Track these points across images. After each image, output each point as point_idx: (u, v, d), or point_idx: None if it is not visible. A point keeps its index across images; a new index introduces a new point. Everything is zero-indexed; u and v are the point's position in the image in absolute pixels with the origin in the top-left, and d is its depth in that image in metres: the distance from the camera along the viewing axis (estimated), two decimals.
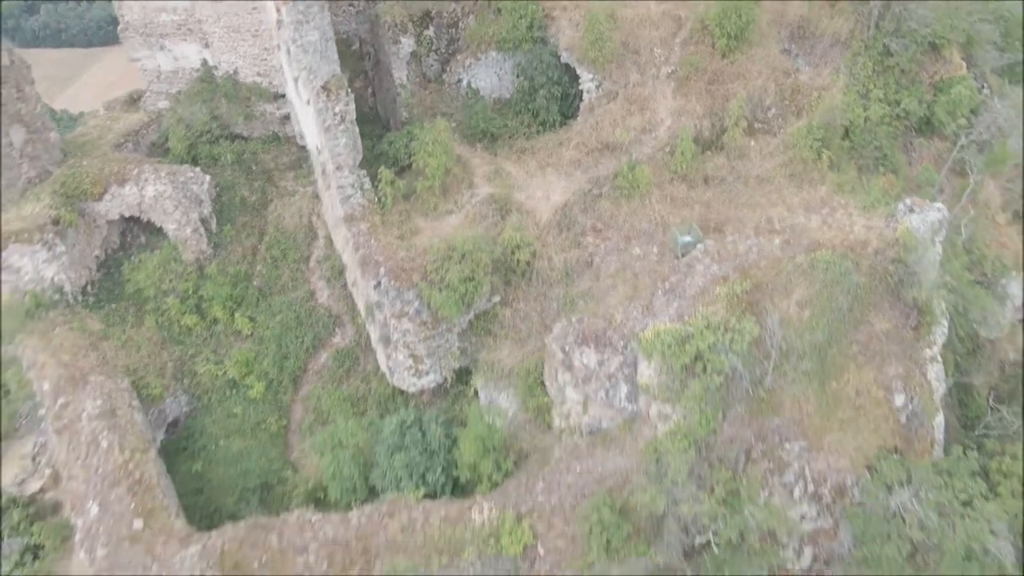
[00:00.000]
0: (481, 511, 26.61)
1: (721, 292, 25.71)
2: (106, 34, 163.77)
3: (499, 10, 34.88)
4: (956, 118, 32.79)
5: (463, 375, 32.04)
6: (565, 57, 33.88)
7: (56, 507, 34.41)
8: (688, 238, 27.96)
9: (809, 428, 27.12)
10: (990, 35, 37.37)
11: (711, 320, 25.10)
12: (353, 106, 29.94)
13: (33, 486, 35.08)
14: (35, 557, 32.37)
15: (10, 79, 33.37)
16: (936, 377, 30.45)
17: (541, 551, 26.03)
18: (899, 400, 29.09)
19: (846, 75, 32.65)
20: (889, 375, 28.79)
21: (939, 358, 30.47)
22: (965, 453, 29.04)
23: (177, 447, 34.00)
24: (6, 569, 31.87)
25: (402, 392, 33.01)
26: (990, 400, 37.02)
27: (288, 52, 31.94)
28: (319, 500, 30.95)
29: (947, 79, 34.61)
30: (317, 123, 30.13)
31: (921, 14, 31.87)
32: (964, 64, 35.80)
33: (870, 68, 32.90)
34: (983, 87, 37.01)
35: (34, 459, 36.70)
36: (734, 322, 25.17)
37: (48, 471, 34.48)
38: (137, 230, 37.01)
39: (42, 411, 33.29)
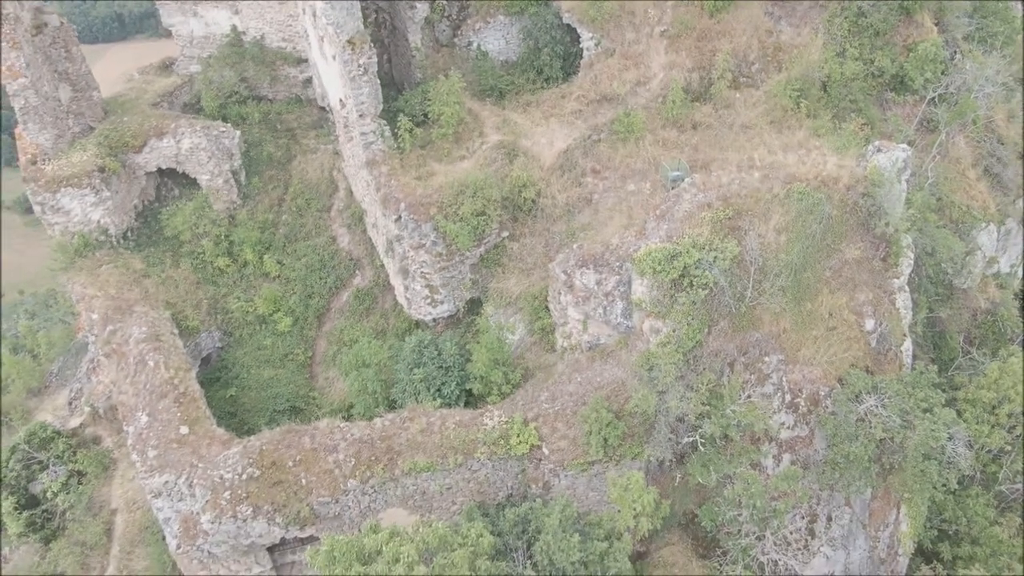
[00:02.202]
0: (492, 417, 29.71)
1: (706, 217, 28.80)
2: (111, 31, 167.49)
3: None
4: (924, 73, 35.75)
5: (475, 306, 35.16)
6: (567, 18, 37.00)
7: (96, 439, 37.75)
8: (677, 172, 31.08)
9: (786, 342, 30.22)
10: (961, 3, 40.40)
11: (697, 240, 28.20)
12: (375, 59, 32.95)
13: (73, 422, 38.33)
14: (79, 482, 35.72)
15: (59, 40, 36.55)
16: (904, 306, 33.50)
17: (546, 451, 29.14)
18: (869, 324, 32.17)
19: (824, 35, 35.67)
20: (860, 300, 31.88)
21: (906, 288, 33.54)
22: (927, 367, 32.18)
23: (211, 378, 37.13)
24: (54, 491, 35.06)
25: (418, 324, 36.15)
26: (962, 343, 40.05)
27: (314, 14, 35.06)
28: (343, 419, 34.06)
29: (919, 41, 37.58)
30: (342, 75, 33.20)
31: None
32: (935, 29, 38.78)
33: (846, 28, 35.91)
34: (955, 52, 40.03)
35: (70, 403, 40.00)
36: (717, 242, 28.26)
37: (87, 409, 37.75)
38: (171, 183, 40.17)
39: (89, 344, 36.48)
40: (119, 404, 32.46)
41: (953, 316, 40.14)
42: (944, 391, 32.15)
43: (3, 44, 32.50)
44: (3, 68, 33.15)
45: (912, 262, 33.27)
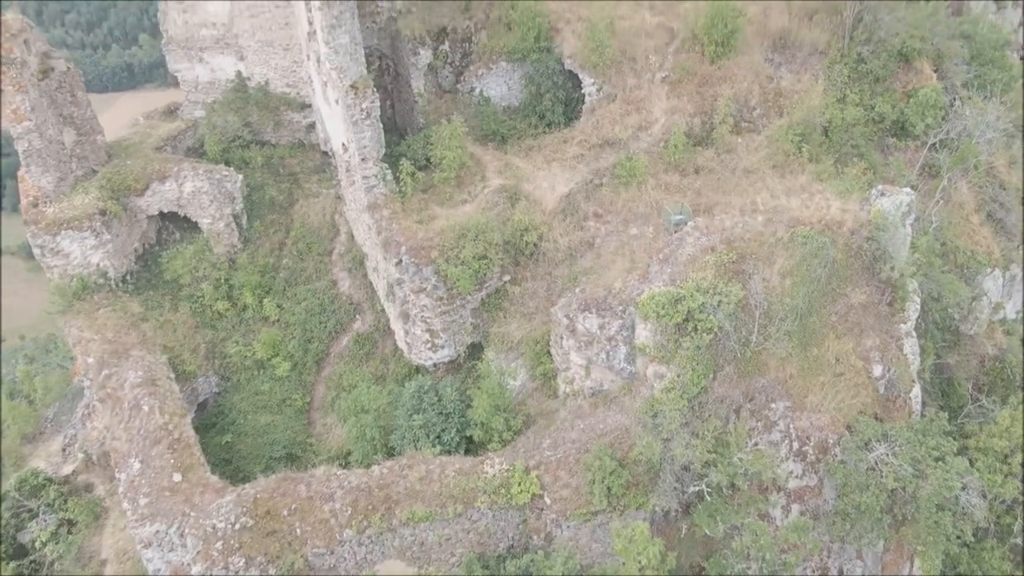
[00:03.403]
0: (492, 465, 29.01)
1: (710, 260, 28.53)
2: (120, 80, 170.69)
3: (509, 25, 38.41)
4: (924, 118, 35.90)
5: (475, 351, 34.69)
6: (568, 64, 37.32)
7: (89, 486, 36.96)
8: (680, 216, 30.91)
9: (792, 388, 29.66)
10: (959, 51, 40.86)
11: (700, 284, 27.88)
12: (378, 103, 33.13)
13: (66, 469, 37.59)
14: (69, 531, 34.82)
15: (65, 85, 36.86)
16: (911, 351, 33.00)
17: (547, 500, 28.37)
18: (877, 370, 31.63)
19: (824, 80, 35.91)
20: (867, 346, 31.40)
21: (913, 333, 33.07)
22: (937, 415, 31.51)
23: (207, 424, 36.52)
24: (43, 540, 34.17)
25: (418, 370, 35.64)
26: (970, 390, 39.41)
27: (318, 59, 35.39)
28: (341, 466, 33.34)
29: (918, 88, 37.85)
30: (345, 119, 33.33)
31: (889, 23, 35.28)
32: (934, 76, 39.11)
33: (846, 75, 36.20)
34: (954, 99, 40.31)
35: (64, 450, 39.32)
36: (721, 286, 27.93)
37: (81, 456, 37.08)
38: (172, 227, 40.11)
39: (84, 389, 35.98)
40: (112, 450, 31.80)
41: (961, 363, 39.56)
42: (955, 439, 31.42)
43: (9, 88, 32.73)
44: (8, 111, 33.34)
45: (918, 307, 32.89)
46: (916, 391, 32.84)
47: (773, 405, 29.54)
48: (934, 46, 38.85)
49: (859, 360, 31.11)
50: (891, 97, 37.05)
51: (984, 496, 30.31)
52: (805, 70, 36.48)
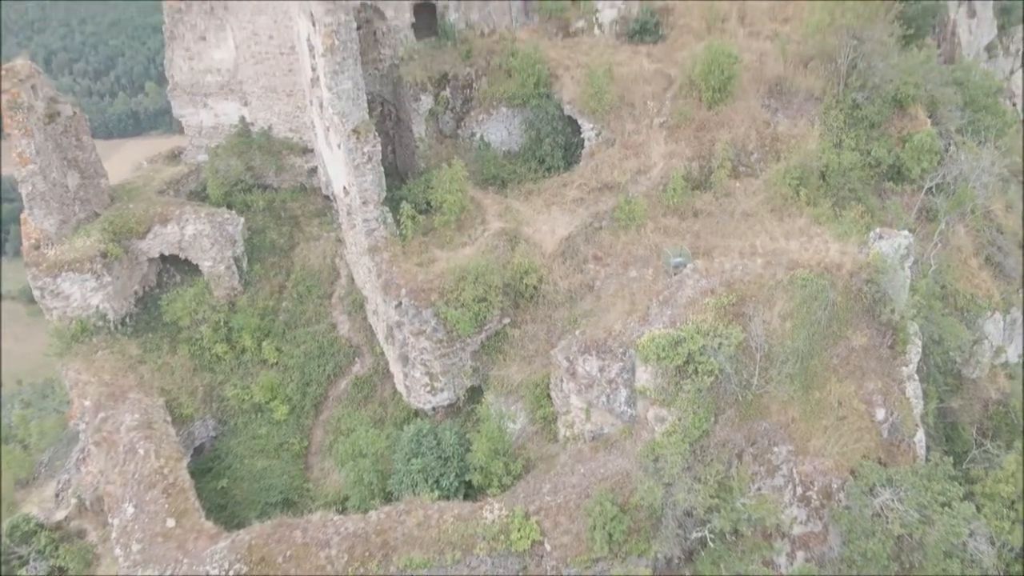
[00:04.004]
0: (492, 510, 28.52)
1: (709, 302, 28.48)
2: (126, 127, 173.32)
3: (509, 72, 39.08)
4: (920, 163, 36.25)
5: (475, 395, 34.45)
6: (568, 110, 37.86)
7: (81, 532, 36.37)
8: (679, 259, 30.99)
9: (795, 432, 29.30)
10: (952, 98, 41.49)
11: (701, 326, 27.78)
12: (379, 148, 33.51)
13: (58, 515, 37.05)
14: None
15: (71, 129, 37.34)
16: (914, 395, 32.73)
17: (548, 547, 27.81)
18: (880, 414, 31.33)
19: (820, 126, 36.38)
20: (869, 389, 31.15)
21: (915, 377, 32.85)
22: (942, 460, 31.08)
23: (203, 468, 36.08)
24: None
25: (417, 413, 35.35)
26: (975, 435, 39.02)
27: (321, 105, 35.89)
28: (338, 512, 32.81)
29: (913, 133, 38.30)
30: (347, 163, 33.66)
31: (883, 70, 35.87)
32: (929, 121, 39.64)
33: (841, 120, 36.66)
34: (949, 144, 40.78)
35: (57, 495, 38.83)
36: (722, 328, 27.84)
37: (74, 501, 36.57)
38: (173, 270, 40.20)
39: (80, 432, 35.65)
40: (106, 495, 31.38)
41: (964, 407, 39.22)
42: (961, 484, 30.96)
43: (15, 132, 33.15)
44: (14, 155, 33.70)
45: (919, 350, 32.73)
46: (920, 435, 32.48)
47: (776, 449, 29.17)
48: (928, 92, 39.46)
49: (861, 403, 30.82)
50: (887, 142, 37.47)
51: (992, 543, 29.73)
52: (801, 115, 36.97)
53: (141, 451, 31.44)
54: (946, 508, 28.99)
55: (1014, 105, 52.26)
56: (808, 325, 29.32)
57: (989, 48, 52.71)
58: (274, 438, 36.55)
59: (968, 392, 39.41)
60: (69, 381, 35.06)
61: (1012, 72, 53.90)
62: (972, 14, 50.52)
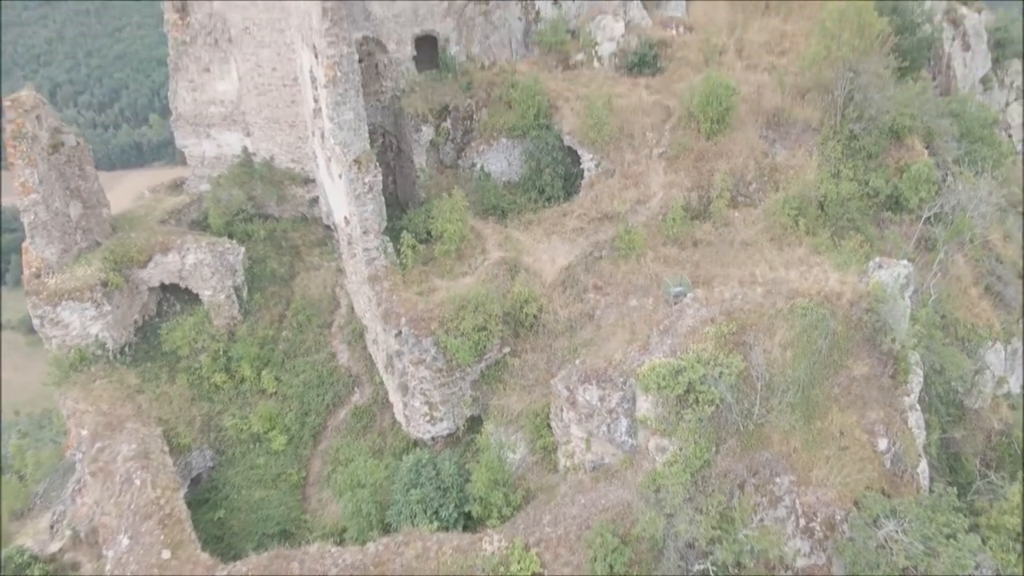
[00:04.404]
0: (491, 542, 28.18)
1: (710, 331, 28.44)
2: (129, 158, 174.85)
3: (509, 103, 39.49)
4: (918, 193, 36.47)
5: (475, 424, 34.23)
6: (568, 141, 38.18)
7: (75, 565, 35.91)
8: (679, 288, 31.02)
9: (797, 462, 29.04)
10: (948, 129, 41.89)
11: (701, 355, 27.70)
12: (380, 178, 33.73)
13: (53, 547, 36.63)
14: None
15: (74, 159, 37.61)
16: (916, 425, 32.52)
17: None
18: (882, 444, 31.08)
19: (818, 156, 36.66)
20: (871, 419, 30.95)
21: (917, 406, 32.67)
22: (946, 491, 30.77)
23: (199, 499, 35.73)
24: None
25: (416, 443, 35.11)
26: (978, 466, 38.71)
27: (323, 136, 36.21)
28: (336, 543, 32.43)
29: (911, 163, 38.58)
30: (348, 193, 33.85)
31: (879, 102, 36.25)
32: (926, 152, 39.95)
33: (839, 151, 36.94)
34: (946, 174, 41.06)
35: (52, 527, 38.42)
36: (722, 357, 27.75)
37: (68, 533, 36.17)
38: (173, 299, 40.21)
39: (76, 463, 35.37)
40: (101, 526, 31.02)
41: (967, 437, 38.99)
42: (965, 516, 30.62)
43: (19, 162, 33.38)
44: (17, 184, 33.90)
45: (921, 380, 32.59)
46: (923, 466, 32.20)
47: (778, 480, 28.90)
48: (924, 124, 39.85)
49: (864, 433, 30.60)
50: (884, 172, 37.71)
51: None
52: (799, 146, 37.27)
53: (137, 481, 31.16)
54: (951, 540, 28.60)
55: (1010, 136, 52.72)
56: (809, 354, 29.23)
57: (984, 81, 53.32)
58: (272, 468, 36.24)
59: (971, 422, 39.19)
60: (66, 410, 34.88)
61: (1007, 104, 54.43)
62: (966, 47, 51.19)
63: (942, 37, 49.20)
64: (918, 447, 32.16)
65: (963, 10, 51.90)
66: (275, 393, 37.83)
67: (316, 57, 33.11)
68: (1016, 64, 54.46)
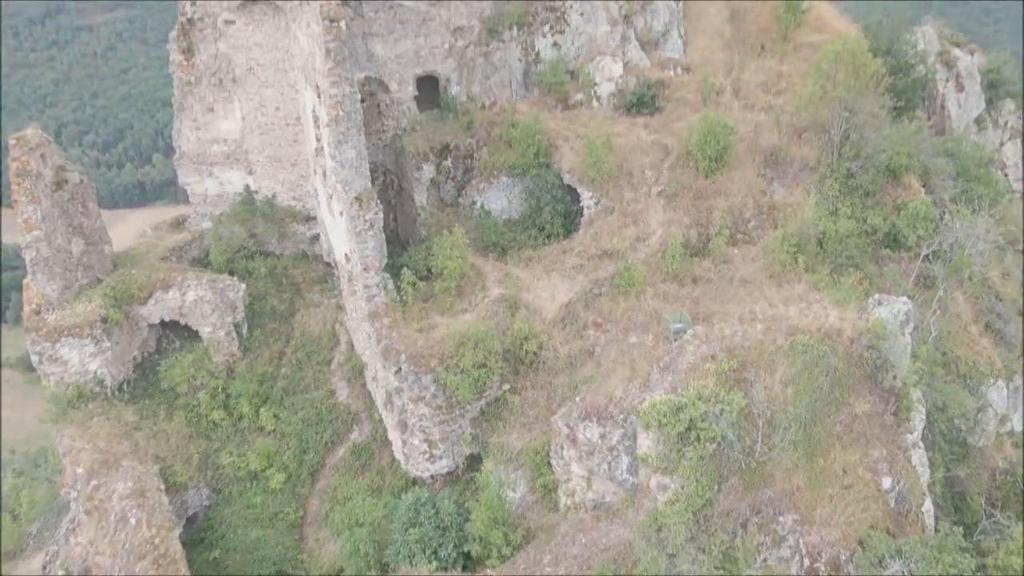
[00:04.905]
0: None
1: (710, 368, 28.37)
2: (132, 197, 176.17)
3: (510, 142, 39.93)
4: (916, 230, 36.69)
5: (474, 462, 33.93)
6: (567, 179, 38.53)
7: None
8: (679, 325, 31.01)
9: (800, 501, 28.71)
10: (945, 167, 42.29)
11: (702, 392, 27.59)
12: (381, 215, 33.97)
13: None
14: None
15: (78, 196, 37.89)
16: (920, 463, 32.23)
17: None
18: (886, 483, 30.77)
19: (816, 194, 36.94)
20: (874, 457, 30.68)
21: (920, 444, 32.42)
22: (952, 530, 30.39)
23: (195, 539, 35.27)
24: None
25: (415, 482, 34.76)
26: (984, 505, 38.27)
27: (325, 174, 36.55)
28: None
29: (908, 201, 38.86)
30: (349, 230, 34.05)
31: (875, 140, 36.66)
32: (923, 190, 40.28)
33: (837, 189, 37.23)
34: (944, 212, 41.34)
35: (44, 568, 37.86)
36: (723, 394, 27.64)
37: (61, 574, 35.60)
38: (173, 335, 40.15)
39: (71, 502, 34.96)
40: (94, 566, 30.55)
41: (972, 476, 38.62)
42: (972, 556, 30.19)
43: (22, 199, 33.63)
44: (20, 221, 34.11)
45: (923, 417, 32.40)
46: (928, 505, 31.83)
47: (781, 519, 28.54)
48: (920, 162, 40.25)
49: (867, 472, 30.31)
50: (882, 210, 37.98)
51: None
52: (797, 184, 37.59)
53: (133, 520, 30.82)
54: None
55: (1005, 175, 53.21)
56: (810, 391, 29.11)
57: (978, 121, 53.99)
58: (269, 507, 35.82)
59: (975, 461, 38.86)
60: (63, 448, 34.58)
61: (1002, 144, 55.03)
62: (960, 88, 51.94)
63: (936, 78, 49.95)
64: (922, 486, 31.85)
65: (956, 52, 52.80)
66: (273, 430, 37.58)
67: (319, 96, 33.59)
68: (1009, 104, 55.19)
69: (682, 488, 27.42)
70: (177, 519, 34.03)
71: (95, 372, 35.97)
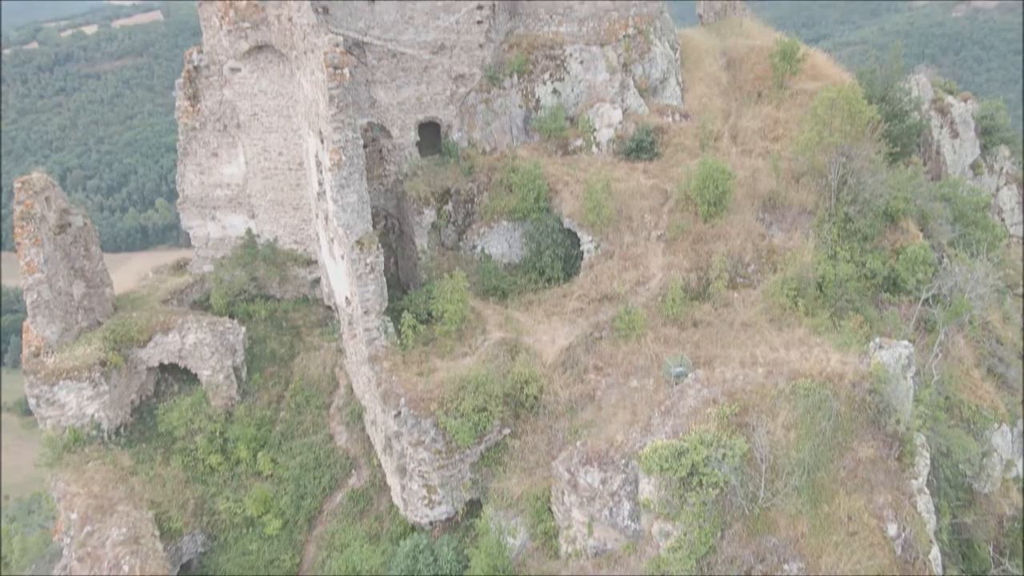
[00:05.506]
0: None
1: (712, 412, 28.17)
2: (134, 241, 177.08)
3: (510, 187, 40.29)
4: (915, 274, 36.81)
5: (474, 508, 33.46)
6: (567, 223, 38.77)
7: None
8: (680, 368, 30.88)
9: (805, 549, 28.21)
10: (942, 212, 42.63)
11: (704, 436, 27.34)
12: (382, 259, 34.11)
13: None
14: None
15: (80, 239, 38.13)
16: (926, 509, 31.79)
17: None
18: (892, 529, 30.31)
19: (814, 238, 37.14)
20: (879, 503, 30.26)
21: (926, 490, 32.02)
22: None
23: None
24: None
25: (414, 528, 34.24)
26: (992, 553, 37.67)
27: (326, 218, 36.82)
28: None
29: (906, 245, 39.06)
30: (350, 273, 34.16)
31: (872, 185, 37.01)
32: (921, 235, 40.53)
33: (835, 233, 37.47)
34: (942, 256, 41.54)
35: None
36: (725, 439, 27.40)
37: None
38: (171, 379, 40.02)
39: (64, 548, 34.44)
40: None
41: (979, 523, 38.06)
42: None
43: (25, 242, 33.81)
44: (22, 264, 34.24)
45: (928, 463, 32.06)
46: (935, 552, 31.29)
47: (786, 567, 28.02)
48: (918, 207, 40.58)
49: (872, 518, 29.86)
50: (881, 254, 38.16)
51: None
52: (795, 228, 37.80)
53: (126, 567, 30.37)
54: None
55: (1002, 220, 53.57)
56: (813, 436, 28.86)
57: (974, 166, 54.56)
58: (265, 554, 35.23)
59: (981, 507, 38.33)
60: (57, 493, 34.19)
61: (998, 189, 55.53)
62: (955, 135, 52.61)
63: (930, 125, 50.65)
64: (929, 533, 31.35)
65: (949, 99, 53.62)
66: (271, 475, 37.18)
67: (322, 142, 34.02)
68: (1004, 150, 55.86)
69: (685, 535, 27.00)
70: (171, 566, 33.51)
71: (92, 416, 35.77)
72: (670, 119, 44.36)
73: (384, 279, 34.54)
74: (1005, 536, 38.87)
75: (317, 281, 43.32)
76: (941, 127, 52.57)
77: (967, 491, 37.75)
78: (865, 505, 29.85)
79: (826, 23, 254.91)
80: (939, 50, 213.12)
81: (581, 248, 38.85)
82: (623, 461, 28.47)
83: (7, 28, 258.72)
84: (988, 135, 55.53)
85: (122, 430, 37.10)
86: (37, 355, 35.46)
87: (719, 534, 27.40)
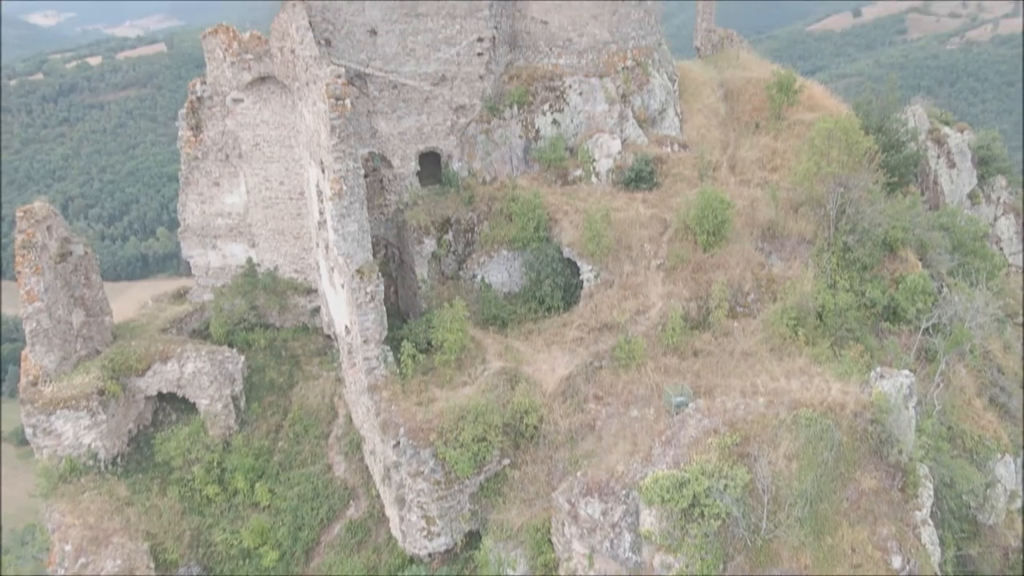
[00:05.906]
0: None
1: (713, 442, 27.97)
2: (135, 269, 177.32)
3: (510, 216, 40.45)
4: (915, 303, 36.80)
5: (473, 540, 33.10)
6: (567, 252, 38.85)
7: None
8: (681, 398, 30.74)
9: None
10: (941, 241, 42.74)
11: (705, 467, 27.13)
12: (382, 288, 34.12)
13: None
14: None
15: (81, 268, 38.17)
16: (930, 541, 31.43)
17: None
18: (896, 562, 29.94)
19: (814, 268, 37.20)
20: (883, 535, 29.93)
21: (930, 522, 31.68)
22: None
23: None
24: None
25: (412, 560, 33.84)
26: None
27: (327, 247, 36.91)
28: None
29: (906, 274, 39.11)
30: (350, 302, 34.15)
31: (871, 215, 37.15)
32: (920, 264, 40.59)
33: (834, 262, 37.53)
34: (941, 285, 41.55)
35: None
36: (727, 469, 27.17)
37: None
38: (169, 408, 39.80)
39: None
40: None
41: (984, 555, 37.64)
42: None
43: (26, 270, 33.84)
44: (22, 292, 34.24)
45: (931, 494, 31.77)
46: None
47: None
48: (916, 236, 40.68)
49: (876, 550, 29.50)
50: (880, 283, 38.18)
51: None
52: (795, 257, 37.89)
53: None
54: None
55: (1001, 249, 53.70)
56: (815, 466, 28.63)
57: (971, 196, 54.85)
58: None
59: (986, 539, 37.92)
60: (52, 524, 33.82)
61: (995, 219, 55.75)
62: (952, 165, 52.97)
63: (927, 155, 51.00)
64: (933, 565, 30.97)
65: (946, 130, 54.07)
66: (268, 506, 36.84)
67: (324, 172, 34.22)
68: (1001, 180, 56.18)
69: (686, 567, 26.66)
70: None
71: (89, 445, 35.52)
72: (669, 149, 44.69)
73: (384, 308, 34.52)
74: (1010, 568, 38.42)
75: (317, 310, 43.30)
76: (938, 157, 52.94)
77: (971, 523, 37.38)
78: (869, 537, 29.53)
79: (821, 56, 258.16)
80: (934, 82, 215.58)
81: (581, 277, 38.91)
82: (624, 492, 28.22)
83: (13, 60, 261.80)
84: (985, 165, 55.90)
85: (119, 460, 36.81)
86: (35, 384, 35.30)
87: (721, 566, 27.06)
